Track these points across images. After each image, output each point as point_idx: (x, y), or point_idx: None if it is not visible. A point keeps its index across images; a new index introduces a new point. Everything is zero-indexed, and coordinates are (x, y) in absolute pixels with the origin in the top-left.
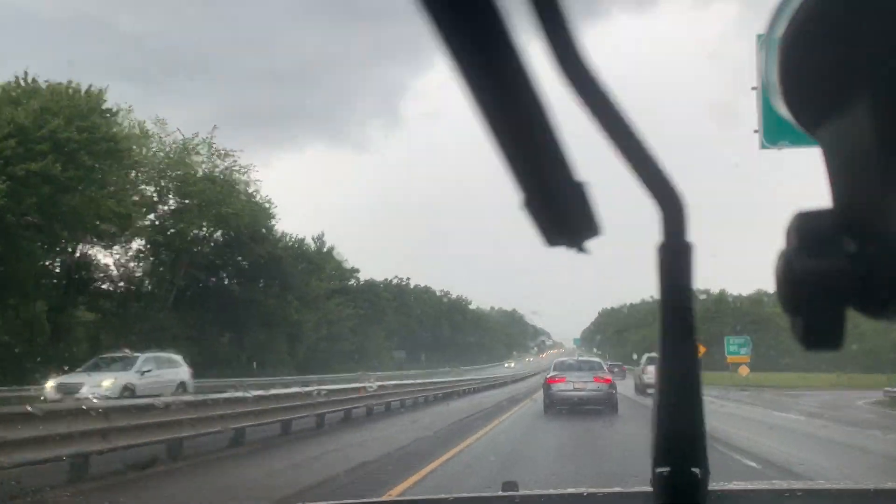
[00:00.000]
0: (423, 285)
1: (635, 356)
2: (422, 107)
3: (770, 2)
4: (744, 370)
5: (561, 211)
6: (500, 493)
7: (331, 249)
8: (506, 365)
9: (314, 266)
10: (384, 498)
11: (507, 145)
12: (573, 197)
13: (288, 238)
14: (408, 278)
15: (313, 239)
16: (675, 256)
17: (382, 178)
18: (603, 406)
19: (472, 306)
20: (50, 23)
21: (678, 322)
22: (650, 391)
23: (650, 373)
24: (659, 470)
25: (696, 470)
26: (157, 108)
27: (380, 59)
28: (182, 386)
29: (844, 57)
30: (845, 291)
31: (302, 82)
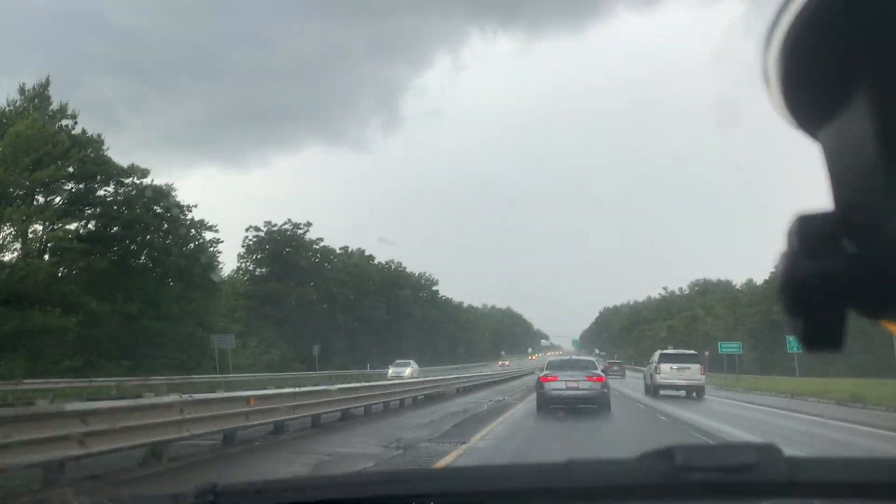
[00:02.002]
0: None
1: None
2: (421, 106)
3: (775, 1)
4: None
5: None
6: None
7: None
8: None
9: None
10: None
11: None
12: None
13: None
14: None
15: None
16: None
17: (381, 177)
18: (596, 405)
19: (463, 304)
20: (42, 16)
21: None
22: (664, 392)
23: (665, 372)
24: None
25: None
26: (153, 105)
27: (379, 57)
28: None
29: (845, 59)
30: (845, 293)
31: (301, 81)
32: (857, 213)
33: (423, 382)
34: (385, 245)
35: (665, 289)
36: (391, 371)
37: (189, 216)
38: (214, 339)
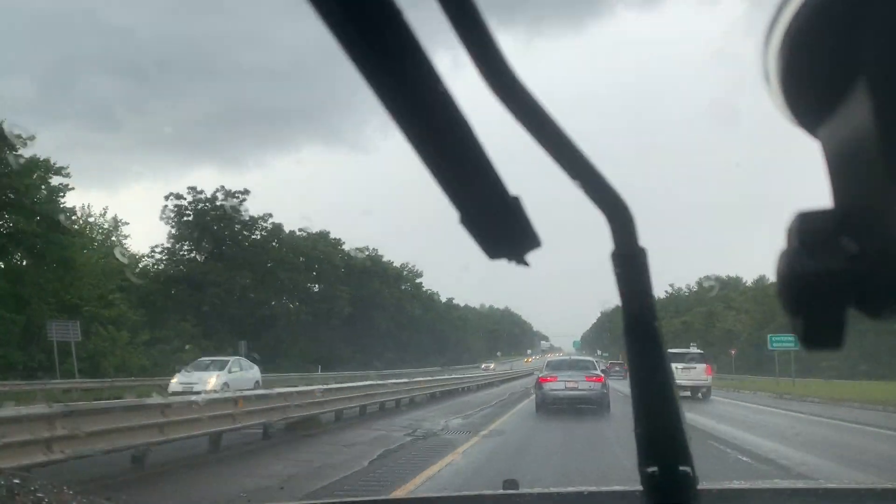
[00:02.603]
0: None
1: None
2: None
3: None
4: None
5: (497, 226)
6: (501, 491)
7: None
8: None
9: None
10: (389, 496)
11: (435, 165)
12: (507, 212)
13: None
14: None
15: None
16: (629, 263)
17: (380, 177)
18: (595, 405)
19: (457, 304)
20: (37, 15)
21: (641, 326)
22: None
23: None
24: (649, 470)
25: (685, 469)
26: (149, 104)
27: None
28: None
29: (845, 56)
30: (846, 291)
31: (298, 80)
32: (857, 211)
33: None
34: (363, 229)
35: (672, 286)
36: (175, 381)
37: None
38: (50, 329)
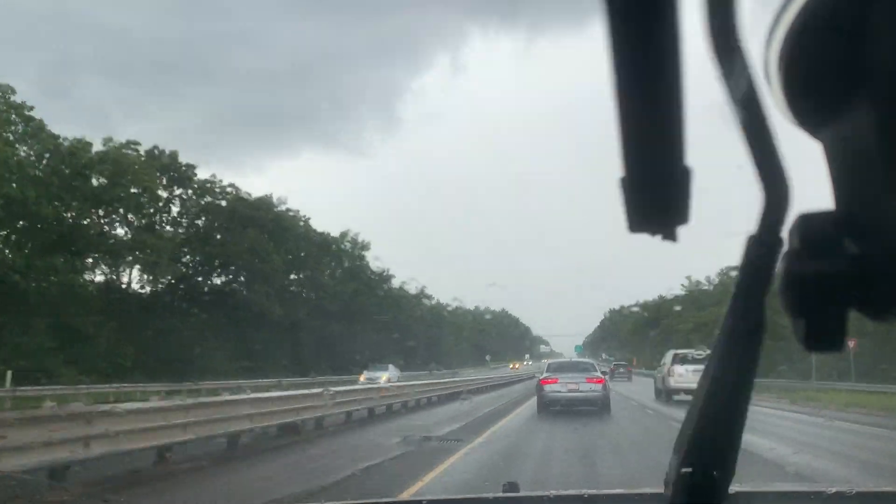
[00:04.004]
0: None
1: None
2: (420, 108)
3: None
4: None
5: (660, 194)
6: (501, 493)
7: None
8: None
9: None
10: (395, 498)
11: (631, 114)
12: (677, 181)
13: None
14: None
15: None
16: (764, 251)
17: (378, 180)
18: (596, 407)
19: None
20: (31, 16)
21: (749, 321)
22: (677, 398)
23: (679, 375)
24: (683, 470)
25: (715, 472)
26: (147, 108)
27: (377, 58)
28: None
29: (847, 57)
30: (847, 293)
31: (297, 83)
32: (858, 213)
33: None
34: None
35: (689, 278)
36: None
37: None
38: None
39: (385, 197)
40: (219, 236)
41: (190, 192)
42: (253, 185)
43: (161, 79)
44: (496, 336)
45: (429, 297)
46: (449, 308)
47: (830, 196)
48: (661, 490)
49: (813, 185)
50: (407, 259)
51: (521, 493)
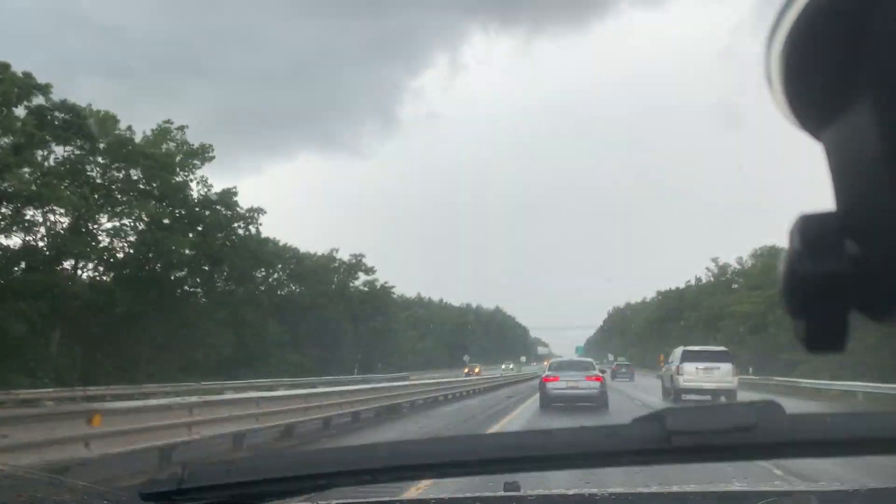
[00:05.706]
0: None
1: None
2: (418, 109)
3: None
4: None
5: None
6: (502, 493)
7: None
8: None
9: None
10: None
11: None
12: None
13: None
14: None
15: None
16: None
17: (377, 182)
18: (594, 403)
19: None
20: (25, 14)
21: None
22: (686, 398)
23: (689, 373)
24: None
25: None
26: (142, 108)
27: (375, 58)
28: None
29: (849, 58)
30: (848, 294)
31: (294, 83)
32: (860, 214)
33: None
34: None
35: (715, 261)
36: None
37: None
38: None
39: (385, 197)
40: None
41: None
42: (249, 187)
43: (155, 78)
44: (483, 335)
45: (369, 271)
46: (414, 299)
47: (832, 197)
48: (661, 490)
49: (814, 186)
50: (407, 259)
51: (523, 493)
